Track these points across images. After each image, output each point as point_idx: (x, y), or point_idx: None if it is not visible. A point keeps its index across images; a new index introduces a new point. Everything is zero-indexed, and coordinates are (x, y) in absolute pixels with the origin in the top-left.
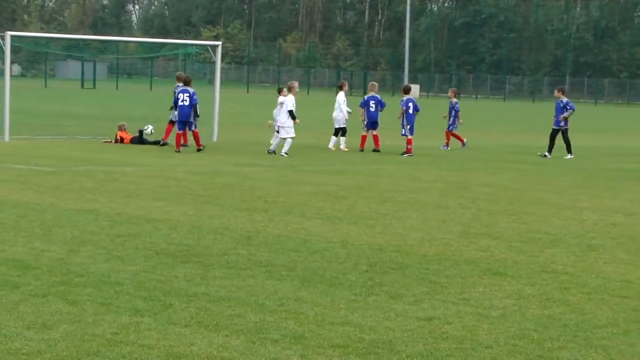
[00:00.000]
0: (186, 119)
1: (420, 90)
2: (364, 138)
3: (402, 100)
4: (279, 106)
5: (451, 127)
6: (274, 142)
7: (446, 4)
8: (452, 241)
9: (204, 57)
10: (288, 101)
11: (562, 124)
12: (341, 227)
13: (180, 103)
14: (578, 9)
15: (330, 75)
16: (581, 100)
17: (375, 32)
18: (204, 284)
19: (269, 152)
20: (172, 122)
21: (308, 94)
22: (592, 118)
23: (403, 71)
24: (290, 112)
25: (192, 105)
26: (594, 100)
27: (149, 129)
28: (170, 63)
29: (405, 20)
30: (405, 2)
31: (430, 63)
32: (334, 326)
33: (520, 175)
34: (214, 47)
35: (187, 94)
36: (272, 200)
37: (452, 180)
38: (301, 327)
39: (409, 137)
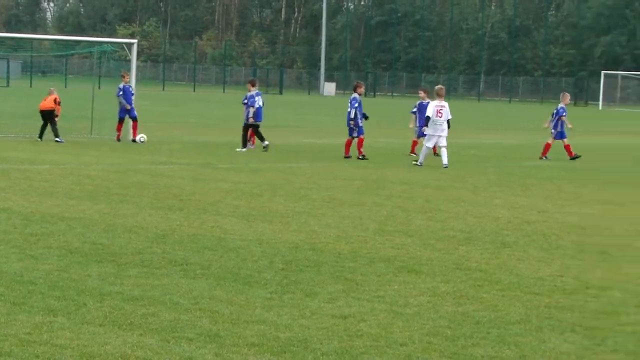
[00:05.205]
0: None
1: (337, 89)
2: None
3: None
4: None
5: (560, 135)
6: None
7: (362, 3)
8: (368, 239)
9: (119, 55)
10: (448, 107)
11: (250, 120)
12: (256, 225)
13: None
14: (493, 7)
15: (246, 73)
16: (496, 99)
17: (292, 30)
18: (118, 283)
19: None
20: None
21: (224, 92)
22: (507, 116)
23: (319, 69)
24: (448, 121)
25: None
26: (508, 98)
27: (141, 138)
28: (85, 61)
29: (321, 18)
30: (322, 0)
31: (346, 61)
32: (249, 324)
33: (437, 172)
34: (130, 45)
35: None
36: (187, 198)
37: (370, 178)
38: (216, 326)
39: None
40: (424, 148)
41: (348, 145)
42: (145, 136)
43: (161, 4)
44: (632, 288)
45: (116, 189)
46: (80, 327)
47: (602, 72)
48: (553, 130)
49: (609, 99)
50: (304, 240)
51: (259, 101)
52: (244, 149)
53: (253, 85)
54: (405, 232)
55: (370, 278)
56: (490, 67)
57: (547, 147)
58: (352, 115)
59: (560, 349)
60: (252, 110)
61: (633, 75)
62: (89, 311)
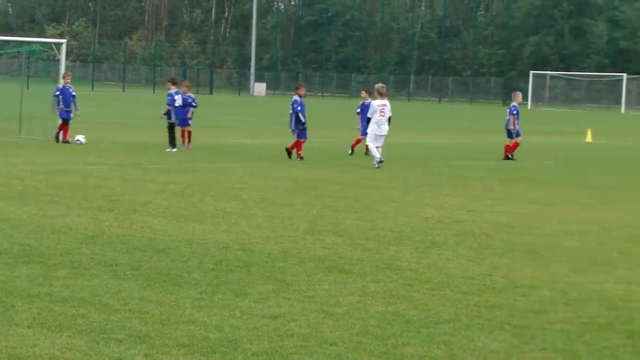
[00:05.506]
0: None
1: (267, 89)
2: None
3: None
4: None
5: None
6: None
7: (292, 2)
8: (298, 239)
9: (48, 55)
10: (389, 106)
11: (165, 118)
12: (186, 225)
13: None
14: (423, 7)
15: (176, 73)
16: (425, 99)
17: (222, 30)
18: (46, 284)
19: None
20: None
21: (154, 92)
22: (436, 116)
23: (249, 69)
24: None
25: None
26: (437, 98)
27: (79, 139)
28: (13, 61)
29: (251, 18)
30: (252, 0)
31: (277, 61)
32: (179, 325)
33: (368, 172)
34: (59, 44)
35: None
36: (116, 199)
37: (300, 178)
38: (146, 327)
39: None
40: (371, 146)
41: (296, 145)
42: (83, 137)
43: (90, 3)
44: (561, 287)
45: (45, 190)
46: (8, 329)
47: (531, 72)
48: (512, 128)
49: (538, 99)
50: (234, 241)
51: (178, 100)
52: (174, 149)
53: (174, 84)
54: (336, 232)
55: (300, 278)
56: (420, 67)
57: (515, 145)
58: (303, 120)
59: (490, 348)
60: (167, 108)
61: (561, 75)
62: (17, 313)
